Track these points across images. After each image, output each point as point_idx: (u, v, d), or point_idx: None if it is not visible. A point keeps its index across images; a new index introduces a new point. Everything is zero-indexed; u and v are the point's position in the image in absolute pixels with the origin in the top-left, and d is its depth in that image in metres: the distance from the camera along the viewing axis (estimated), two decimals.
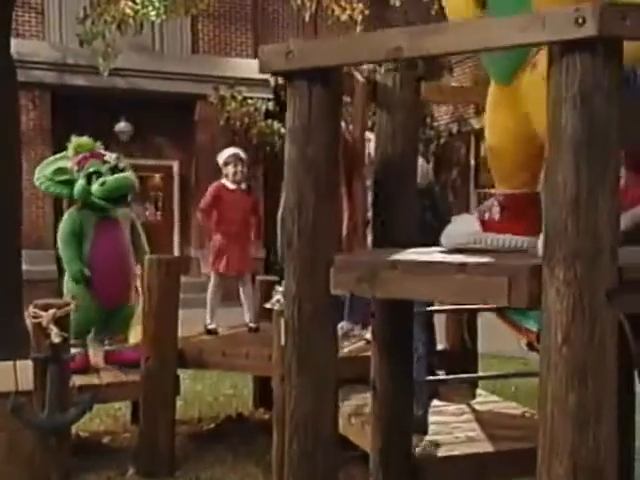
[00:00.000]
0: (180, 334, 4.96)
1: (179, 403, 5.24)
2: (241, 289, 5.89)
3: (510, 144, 2.50)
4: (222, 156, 5.96)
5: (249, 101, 13.95)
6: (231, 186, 5.86)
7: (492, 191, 2.71)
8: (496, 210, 2.65)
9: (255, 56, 15.36)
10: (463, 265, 2.24)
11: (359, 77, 2.91)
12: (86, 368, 5.05)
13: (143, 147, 14.93)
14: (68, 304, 4.40)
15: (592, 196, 1.98)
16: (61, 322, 4.25)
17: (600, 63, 1.96)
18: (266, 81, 14.08)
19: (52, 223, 12.80)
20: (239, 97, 14.28)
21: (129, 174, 5.27)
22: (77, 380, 4.72)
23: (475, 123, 12.44)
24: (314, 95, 2.41)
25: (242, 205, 5.87)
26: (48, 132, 13.92)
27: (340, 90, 2.51)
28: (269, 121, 14.14)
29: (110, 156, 5.32)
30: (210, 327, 5.67)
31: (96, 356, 5.38)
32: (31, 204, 12.66)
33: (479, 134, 12.71)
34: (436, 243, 2.79)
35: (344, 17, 8.92)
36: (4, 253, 8.15)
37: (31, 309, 4.32)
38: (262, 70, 2.45)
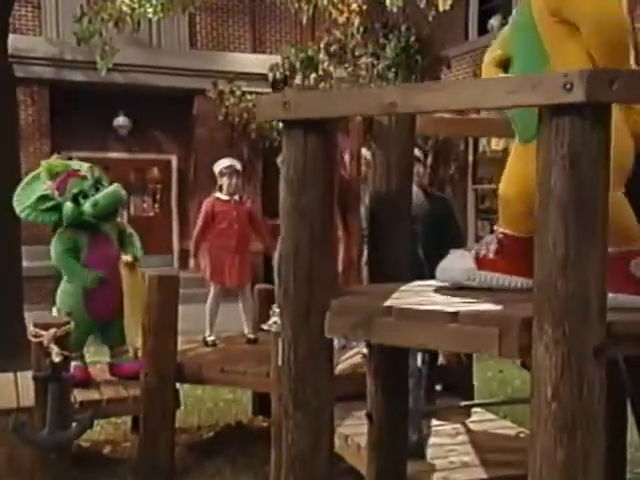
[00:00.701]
0: (179, 334, 4.95)
1: (179, 410, 5.28)
2: (240, 301, 5.92)
3: (515, 195, 2.55)
4: (218, 166, 5.99)
5: (248, 96, 13.91)
6: (224, 197, 5.89)
7: (495, 227, 2.77)
8: (493, 248, 2.70)
9: (254, 50, 15.34)
10: (455, 314, 2.29)
11: None
12: (87, 381, 5.10)
13: (142, 142, 14.94)
14: (68, 322, 4.45)
15: (580, 256, 2.02)
16: (61, 341, 4.30)
17: (589, 126, 2.00)
18: (265, 76, 14.05)
19: None
20: (238, 92, 14.25)
21: (115, 187, 5.22)
22: (78, 395, 4.78)
23: None
24: (309, 144, 2.44)
25: (237, 216, 5.88)
26: (47, 127, 13.93)
27: (335, 138, 2.54)
28: None
29: (83, 167, 5.28)
30: (209, 339, 5.71)
31: (97, 368, 5.44)
32: None
33: None
34: (427, 273, 2.84)
35: (342, 19, 8.92)
36: (4, 250, 8.18)
37: (32, 328, 4.37)
38: (260, 118, 2.49)
